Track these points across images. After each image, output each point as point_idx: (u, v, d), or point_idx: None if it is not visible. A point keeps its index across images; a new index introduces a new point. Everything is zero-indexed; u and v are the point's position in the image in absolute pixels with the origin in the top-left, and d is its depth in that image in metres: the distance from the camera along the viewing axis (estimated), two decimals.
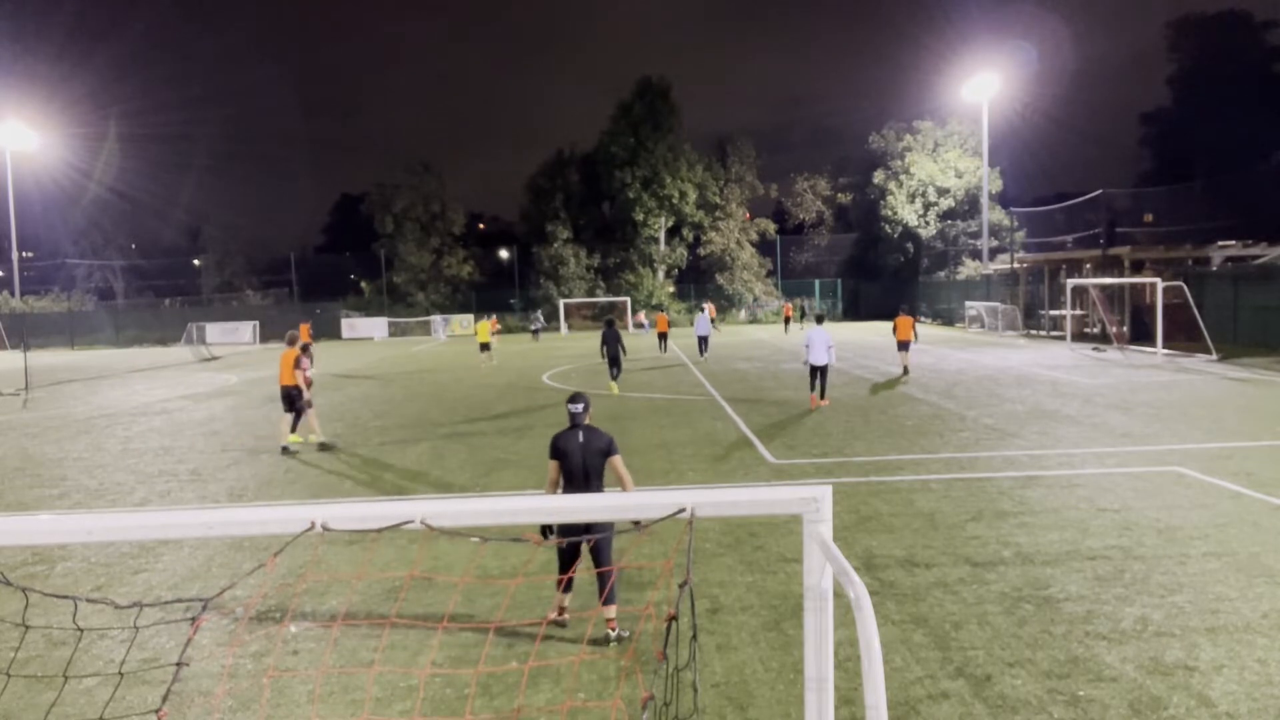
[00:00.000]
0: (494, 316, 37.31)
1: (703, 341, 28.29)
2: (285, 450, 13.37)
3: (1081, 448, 11.96)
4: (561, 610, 6.24)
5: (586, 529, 5.41)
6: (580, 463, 6.05)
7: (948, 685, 5.13)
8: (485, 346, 29.10)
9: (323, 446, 13.68)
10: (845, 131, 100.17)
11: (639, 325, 49.80)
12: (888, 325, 47.55)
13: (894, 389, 18.95)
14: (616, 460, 6.11)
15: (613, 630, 6.03)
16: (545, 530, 5.72)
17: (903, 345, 21.64)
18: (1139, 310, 30.32)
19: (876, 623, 1.85)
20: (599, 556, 6.03)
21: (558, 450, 6.11)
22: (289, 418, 13.71)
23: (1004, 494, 9.48)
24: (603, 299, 55.93)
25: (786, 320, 47.02)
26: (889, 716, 4.75)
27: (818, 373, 16.55)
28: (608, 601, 6.01)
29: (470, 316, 53.85)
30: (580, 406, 6.18)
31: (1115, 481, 9.93)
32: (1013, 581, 6.79)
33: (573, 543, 5.93)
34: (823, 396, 16.67)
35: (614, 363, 20.58)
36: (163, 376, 28.83)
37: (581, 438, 6.10)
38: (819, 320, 17.92)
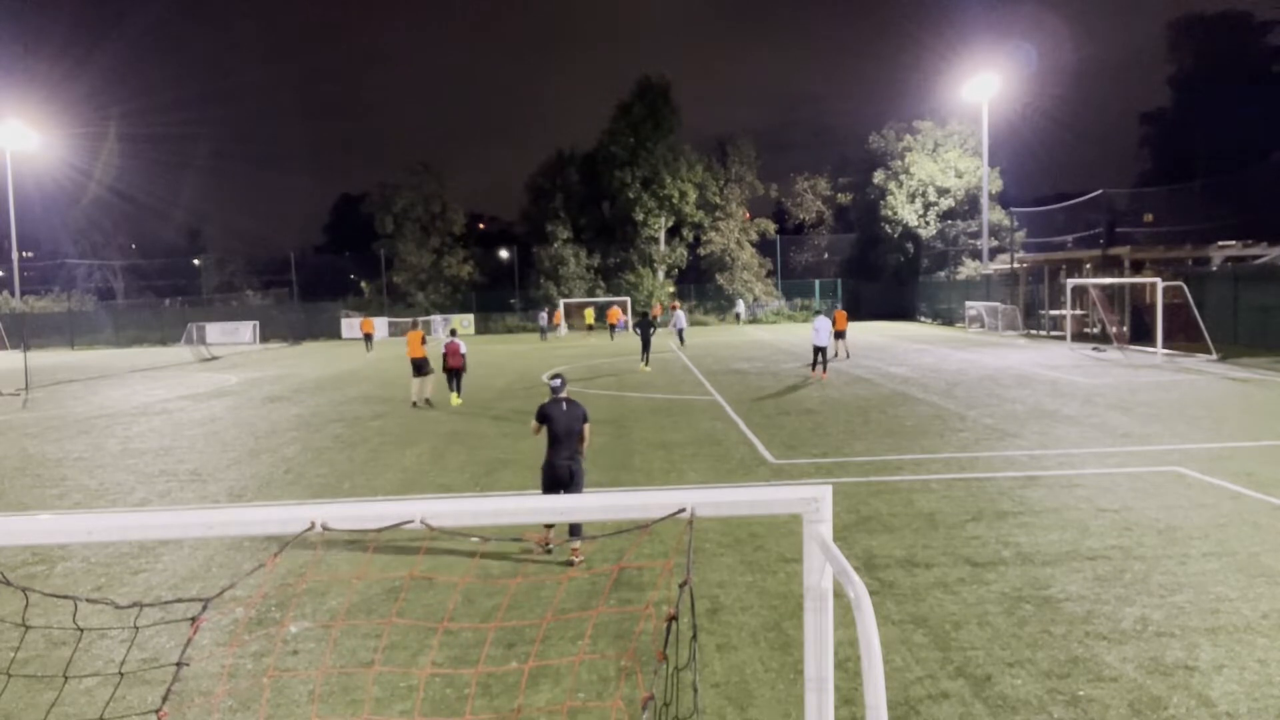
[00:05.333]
0: (611, 307, 49.38)
1: (679, 334, 35.13)
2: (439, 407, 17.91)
3: (1081, 448, 11.96)
4: (546, 541, 7.53)
5: (570, 476, 7.49)
6: (565, 426, 7.63)
7: (948, 685, 5.13)
8: (591, 327, 47.95)
9: (428, 403, 17.95)
10: (845, 131, 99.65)
11: (611, 325, 47.03)
12: (889, 325, 48.44)
13: (890, 389, 18.96)
14: (587, 427, 7.84)
15: (576, 557, 7.42)
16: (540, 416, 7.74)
17: (839, 335, 26.23)
18: (1139, 310, 30.31)
19: (876, 623, 1.85)
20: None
21: (545, 416, 7.70)
22: (416, 381, 17.99)
23: (1004, 494, 9.49)
24: (603, 299, 55.91)
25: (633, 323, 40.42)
26: (889, 716, 4.75)
27: (819, 351, 21.01)
28: (575, 534, 7.28)
29: (470, 316, 55.94)
30: (559, 382, 7.93)
31: (1115, 481, 9.93)
32: (1013, 581, 6.79)
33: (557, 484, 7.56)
34: (824, 370, 21.22)
35: (645, 346, 25.45)
36: (163, 376, 28.82)
37: (564, 407, 7.71)
38: (818, 313, 21.76)
